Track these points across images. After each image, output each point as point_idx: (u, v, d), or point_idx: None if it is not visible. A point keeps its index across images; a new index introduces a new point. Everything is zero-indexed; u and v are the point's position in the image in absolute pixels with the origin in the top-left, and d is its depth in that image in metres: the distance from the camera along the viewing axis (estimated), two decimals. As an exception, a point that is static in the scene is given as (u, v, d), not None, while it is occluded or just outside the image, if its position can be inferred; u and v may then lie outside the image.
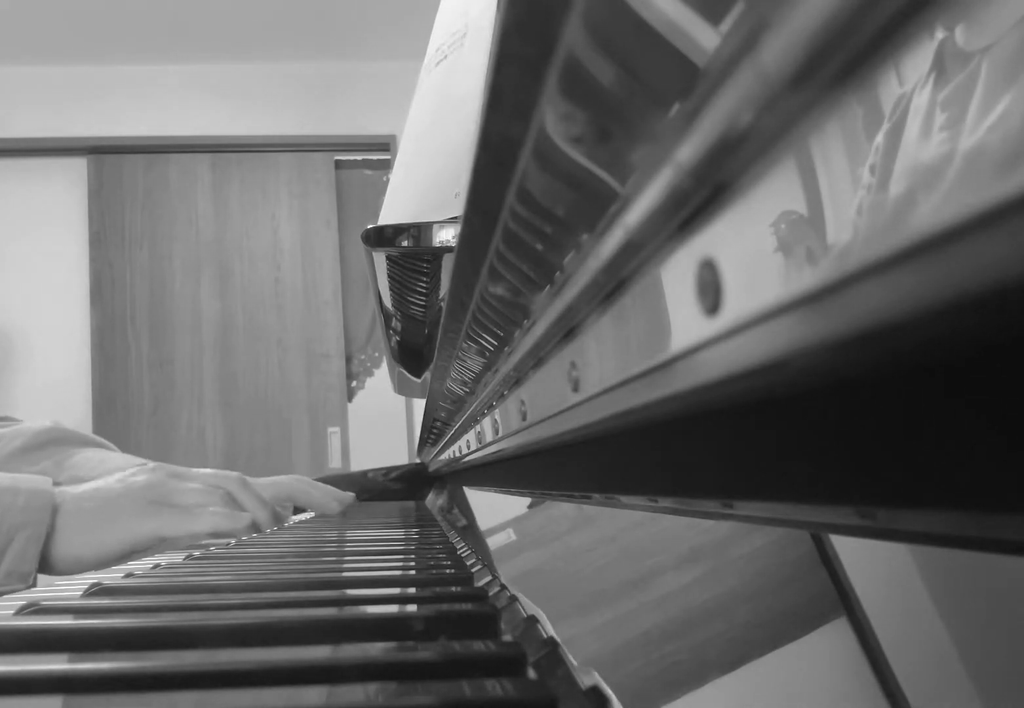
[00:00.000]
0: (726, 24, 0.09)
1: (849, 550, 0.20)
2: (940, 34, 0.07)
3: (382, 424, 2.91)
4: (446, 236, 0.63)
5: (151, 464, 0.87)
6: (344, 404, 2.94)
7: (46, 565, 0.68)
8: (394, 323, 0.77)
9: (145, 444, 2.82)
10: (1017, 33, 0.06)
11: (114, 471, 0.93)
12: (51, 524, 0.67)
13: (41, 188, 2.94)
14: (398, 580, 0.39)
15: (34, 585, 0.67)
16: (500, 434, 0.39)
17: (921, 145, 0.07)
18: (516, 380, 0.32)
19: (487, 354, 0.33)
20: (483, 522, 0.66)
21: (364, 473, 1.32)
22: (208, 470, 0.83)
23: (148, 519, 0.69)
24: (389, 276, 0.68)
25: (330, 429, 2.92)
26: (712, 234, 0.12)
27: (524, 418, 0.31)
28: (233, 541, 0.68)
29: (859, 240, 0.08)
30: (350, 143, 3.02)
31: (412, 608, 0.31)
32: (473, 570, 0.41)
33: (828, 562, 0.20)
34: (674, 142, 0.11)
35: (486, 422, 0.44)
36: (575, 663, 0.22)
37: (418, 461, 1.35)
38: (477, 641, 0.23)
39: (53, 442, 0.97)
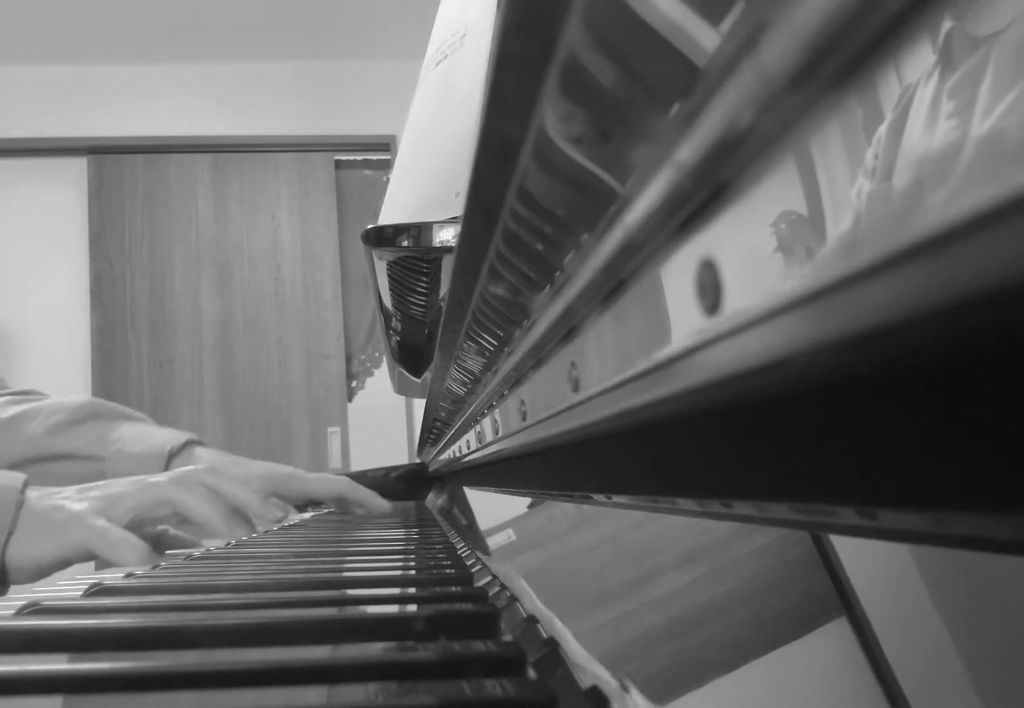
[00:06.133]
0: (726, 24, 0.09)
1: (849, 550, 0.20)
2: (939, 34, 0.07)
3: (382, 424, 2.91)
4: (446, 236, 0.63)
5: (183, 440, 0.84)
6: (344, 404, 2.94)
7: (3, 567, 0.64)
8: (394, 323, 0.77)
9: (145, 444, 2.82)
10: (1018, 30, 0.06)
11: (163, 445, 0.92)
12: (13, 523, 0.63)
13: (41, 188, 2.94)
14: (398, 580, 0.39)
15: (5, 588, 0.64)
16: (500, 434, 0.39)
17: (920, 145, 0.07)
18: (516, 380, 0.32)
19: (487, 354, 0.33)
20: (483, 522, 0.66)
21: (364, 473, 1.32)
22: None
23: (76, 531, 0.62)
24: (389, 276, 0.68)
25: (330, 429, 2.92)
26: (712, 234, 0.12)
27: (524, 418, 0.31)
28: (233, 541, 0.68)
29: (859, 240, 0.08)
30: (350, 143, 3.02)
31: (412, 608, 0.31)
32: (473, 570, 0.41)
33: (828, 562, 0.20)
34: (674, 142, 0.11)
35: (486, 422, 0.44)
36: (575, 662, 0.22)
37: (418, 461, 1.35)
38: (477, 641, 0.23)
39: (93, 417, 0.96)
